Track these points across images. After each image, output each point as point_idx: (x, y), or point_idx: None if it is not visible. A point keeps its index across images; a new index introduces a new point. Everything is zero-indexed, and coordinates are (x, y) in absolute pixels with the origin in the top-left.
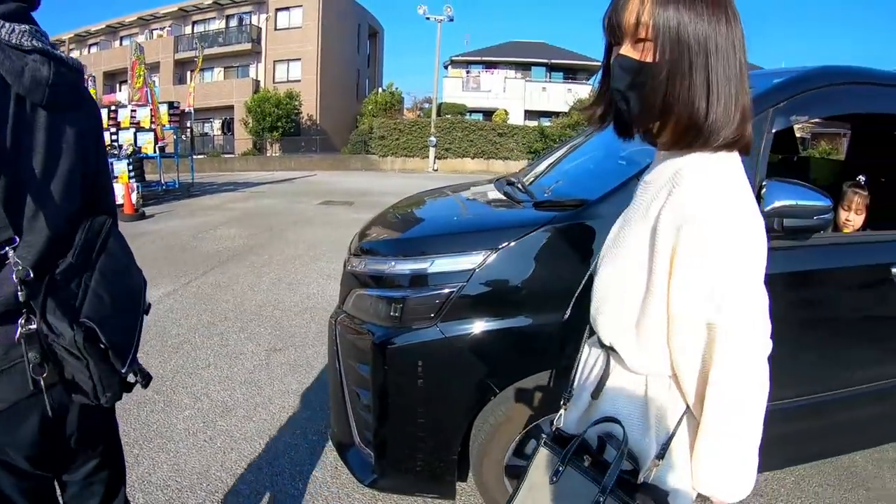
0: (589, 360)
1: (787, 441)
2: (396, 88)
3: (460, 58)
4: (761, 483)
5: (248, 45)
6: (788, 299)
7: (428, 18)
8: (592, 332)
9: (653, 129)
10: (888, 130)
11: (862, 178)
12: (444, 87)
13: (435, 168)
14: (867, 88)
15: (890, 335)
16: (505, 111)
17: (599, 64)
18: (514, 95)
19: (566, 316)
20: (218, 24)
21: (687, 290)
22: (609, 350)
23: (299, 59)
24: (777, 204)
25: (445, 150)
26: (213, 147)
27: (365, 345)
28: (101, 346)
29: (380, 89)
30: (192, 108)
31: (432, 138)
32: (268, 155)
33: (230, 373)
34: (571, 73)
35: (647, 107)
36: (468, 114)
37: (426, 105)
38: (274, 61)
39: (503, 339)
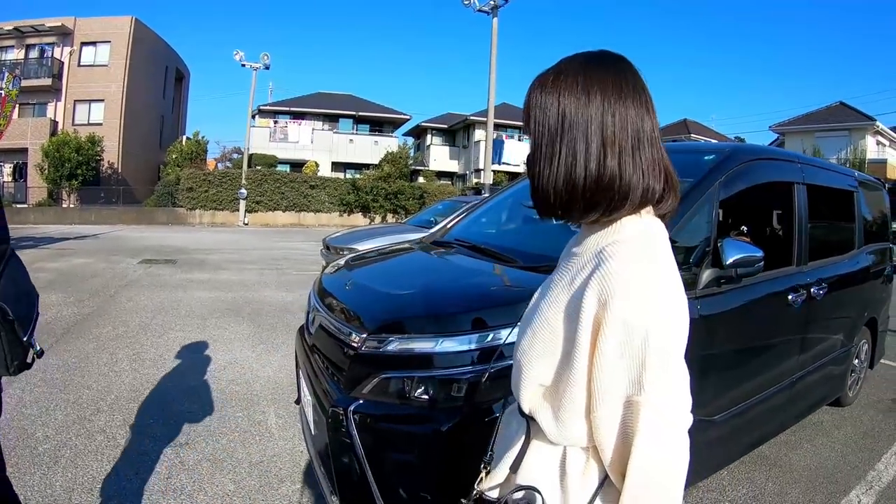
0: (511, 426)
1: (734, 437)
2: (203, 137)
3: (268, 107)
4: (705, 481)
5: (48, 81)
6: (740, 323)
7: (244, 65)
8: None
9: (560, 210)
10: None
11: (745, 227)
12: (251, 136)
13: (245, 222)
14: (770, 163)
15: (791, 340)
16: (315, 163)
17: (405, 117)
18: (321, 147)
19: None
20: (16, 54)
21: (610, 366)
22: (528, 419)
23: (103, 100)
24: (734, 258)
25: (256, 203)
26: (2, 195)
27: (418, 433)
28: (10, 318)
29: (185, 137)
30: None
31: (242, 191)
32: (65, 206)
33: (141, 483)
34: (377, 126)
35: (536, 186)
36: (277, 165)
37: (235, 155)
38: (75, 101)
39: None
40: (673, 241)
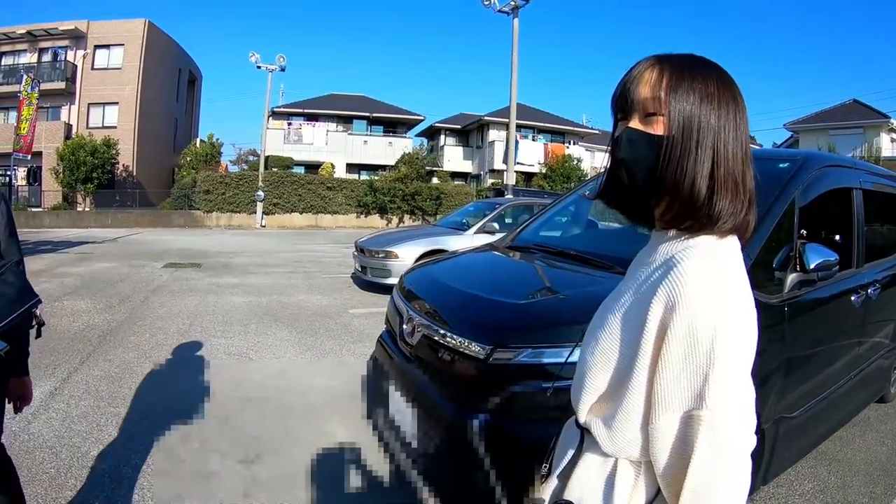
0: (565, 438)
1: (808, 432)
2: (217, 139)
3: (281, 109)
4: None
5: (62, 84)
6: (817, 324)
7: (259, 67)
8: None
9: (652, 207)
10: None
11: (804, 231)
12: (266, 138)
13: (263, 224)
14: (837, 169)
15: (852, 338)
16: (331, 164)
17: (419, 117)
18: (336, 148)
19: None
20: (29, 58)
21: (672, 376)
22: (584, 430)
23: (117, 102)
24: (816, 262)
25: (273, 206)
26: (17, 199)
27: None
28: None
29: (199, 140)
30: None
31: (260, 193)
32: (80, 209)
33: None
34: (391, 127)
35: (650, 180)
36: (293, 167)
37: (251, 157)
38: (89, 104)
39: None
40: (764, 247)
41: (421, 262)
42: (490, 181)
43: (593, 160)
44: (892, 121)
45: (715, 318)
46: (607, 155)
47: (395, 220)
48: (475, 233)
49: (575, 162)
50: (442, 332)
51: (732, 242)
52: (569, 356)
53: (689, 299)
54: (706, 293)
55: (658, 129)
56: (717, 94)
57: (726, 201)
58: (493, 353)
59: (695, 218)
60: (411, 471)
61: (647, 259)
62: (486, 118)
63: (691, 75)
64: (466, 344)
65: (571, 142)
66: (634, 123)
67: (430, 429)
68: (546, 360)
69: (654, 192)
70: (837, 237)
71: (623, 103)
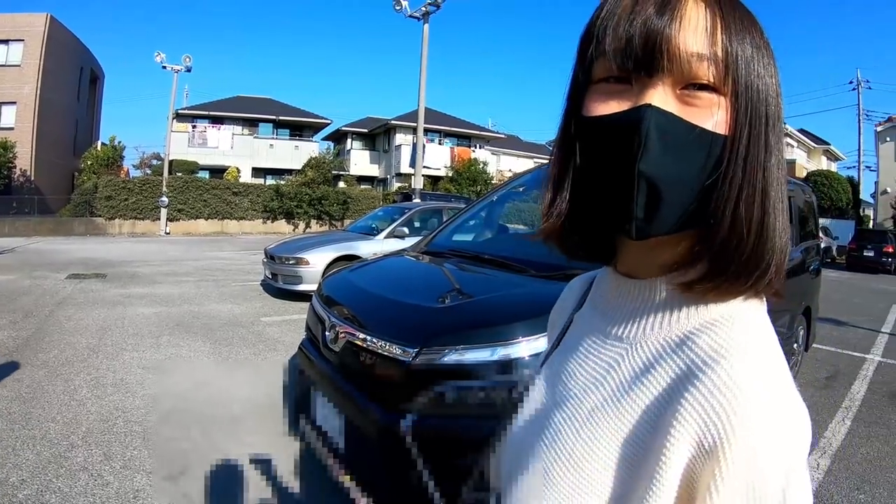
0: None
1: None
2: (119, 142)
3: (186, 111)
4: None
5: None
6: None
7: (165, 67)
8: None
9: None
10: None
11: None
12: (170, 141)
13: (167, 231)
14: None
15: None
16: (237, 169)
17: (325, 121)
18: (242, 152)
19: None
20: None
21: None
22: None
23: (14, 102)
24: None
25: (178, 212)
26: None
27: (481, 439)
28: None
29: (100, 143)
30: None
31: (164, 198)
32: None
33: None
34: (297, 130)
35: (686, 205)
36: (198, 171)
37: (155, 161)
38: None
39: None
40: None
41: (338, 268)
42: (397, 185)
43: (499, 163)
44: (786, 126)
45: (787, 459)
46: (555, 149)
47: (301, 225)
48: (385, 237)
49: (481, 165)
50: (367, 337)
51: (763, 309)
52: (491, 355)
53: (749, 440)
54: (774, 424)
55: (706, 116)
56: (773, 59)
57: (779, 238)
58: (420, 355)
59: (738, 267)
60: (342, 475)
61: (620, 329)
62: (392, 122)
63: (748, 21)
64: (393, 347)
65: (477, 145)
66: (664, 101)
67: (359, 433)
68: (469, 360)
69: (684, 224)
70: None
71: (643, 50)
